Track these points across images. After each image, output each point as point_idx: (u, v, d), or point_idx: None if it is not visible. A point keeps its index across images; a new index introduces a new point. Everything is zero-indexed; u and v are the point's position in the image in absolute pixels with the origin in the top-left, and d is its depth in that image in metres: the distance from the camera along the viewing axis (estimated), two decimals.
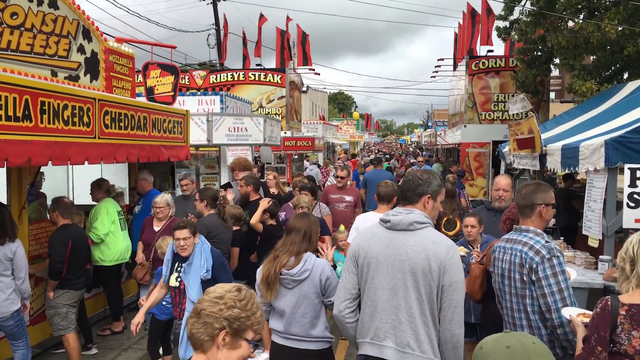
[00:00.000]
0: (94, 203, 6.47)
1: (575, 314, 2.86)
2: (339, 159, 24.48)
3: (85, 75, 6.07)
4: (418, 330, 2.82)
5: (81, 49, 5.97)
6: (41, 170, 6.26)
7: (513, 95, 15.80)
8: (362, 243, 3.06)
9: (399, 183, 3.25)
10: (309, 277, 3.59)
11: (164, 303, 5.08)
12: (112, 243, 6.23)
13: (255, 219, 5.79)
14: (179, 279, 4.52)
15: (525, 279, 3.11)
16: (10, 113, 3.87)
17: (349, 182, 8.16)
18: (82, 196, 7.38)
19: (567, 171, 6.96)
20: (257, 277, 3.77)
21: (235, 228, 6.00)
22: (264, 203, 5.84)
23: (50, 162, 4.39)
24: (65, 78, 5.67)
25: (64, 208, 5.33)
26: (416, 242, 2.87)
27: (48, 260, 5.35)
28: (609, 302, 2.58)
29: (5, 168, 4.55)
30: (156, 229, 6.06)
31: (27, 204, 5.48)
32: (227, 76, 19.58)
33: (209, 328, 1.93)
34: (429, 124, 63.15)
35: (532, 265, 3.07)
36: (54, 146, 4.36)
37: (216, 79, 19.44)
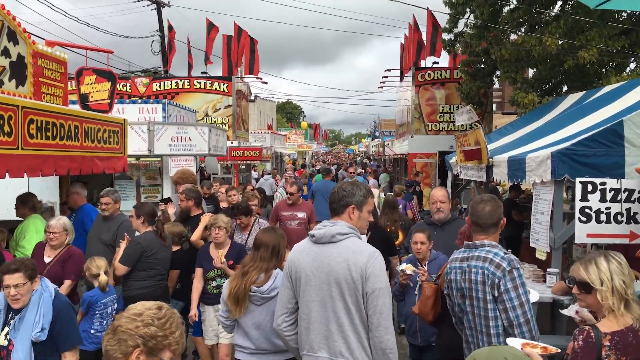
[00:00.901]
0: (19, 219, 5.96)
1: (518, 345, 2.66)
2: (285, 170, 24.27)
3: (10, 80, 5.57)
4: (348, 339, 2.90)
5: (5, 52, 5.49)
6: None
7: (458, 107, 16.10)
8: (293, 258, 3.13)
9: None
10: (278, 294, 3.55)
11: (92, 331, 4.70)
12: None
13: (196, 236, 5.48)
14: (8, 337, 3.53)
15: (488, 297, 2.98)
16: None
17: (300, 197, 7.87)
18: (9, 210, 6.77)
19: (514, 183, 6.99)
20: (223, 291, 3.80)
21: (175, 248, 5.66)
22: (206, 218, 5.53)
23: None
24: None
25: None
26: (338, 253, 2.94)
27: None
28: (592, 334, 2.44)
29: None
30: (47, 259, 5.01)
31: None
32: (171, 84, 19.02)
33: (123, 345, 1.88)
34: (377, 134, 64.02)
35: (494, 280, 2.95)
36: None
37: (160, 86, 18.84)
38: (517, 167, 6.38)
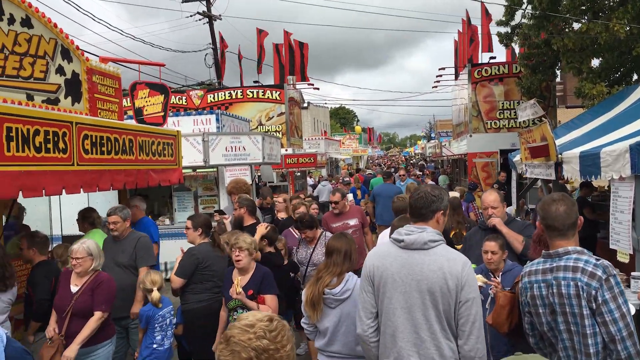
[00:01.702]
0: (81, 233, 6.04)
1: None
2: (340, 175, 24.04)
3: (65, 97, 5.66)
4: (441, 345, 2.85)
5: (60, 70, 5.57)
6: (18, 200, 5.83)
7: (519, 103, 15.42)
8: (376, 263, 3.05)
9: (409, 200, 3.21)
10: (350, 296, 3.74)
11: (154, 346, 4.66)
12: None
13: None
14: None
15: (585, 311, 2.64)
16: None
17: (346, 203, 7.37)
18: (75, 225, 6.87)
19: (586, 180, 6.48)
20: (302, 299, 3.92)
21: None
22: (262, 228, 5.38)
23: (21, 194, 3.96)
24: (43, 101, 5.26)
25: (40, 244, 4.89)
26: (432, 260, 2.90)
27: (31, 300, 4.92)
28: None
29: None
30: (74, 288, 4.49)
31: (4, 240, 5.04)
32: (225, 95, 19.27)
33: (237, 357, 1.87)
34: (432, 135, 62.88)
35: (590, 292, 2.61)
36: (24, 176, 3.93)
37: (214, 98, 19.13)
38: (590, 162, 5.91)
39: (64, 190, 4.45)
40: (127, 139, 5.51)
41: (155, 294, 4.86)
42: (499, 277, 4.24)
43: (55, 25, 5.44)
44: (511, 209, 11.46)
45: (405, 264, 2.93)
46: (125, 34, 17.58)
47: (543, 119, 7.66)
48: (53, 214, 7.48)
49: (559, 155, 6.91)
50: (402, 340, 2.90)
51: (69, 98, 5.71)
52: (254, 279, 4.51)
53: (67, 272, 4.60)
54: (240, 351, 1.87)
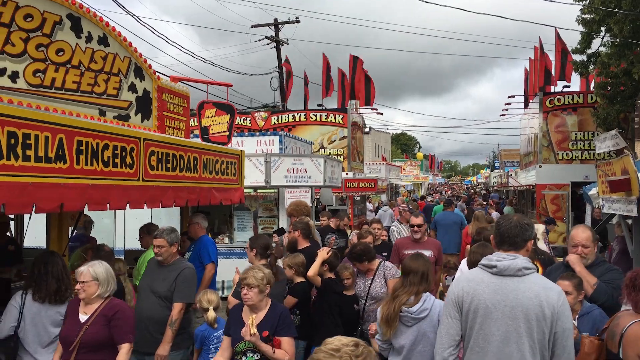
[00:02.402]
0: (144, 249, 6.12)
1: None
2: (397, 202, 23.62)
3: (136, 114, 5.79)
4: None
5: (132, 88, 5.72)
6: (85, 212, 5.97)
7: (594, 134, 14.65)
8: (465, 288, 3.00)
9: (499, 227, 3.16)
10: (427, 315, 3.76)
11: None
12: None
13: (313, 271, 5.13)
14: None
15: None
16: (41, 154, 3.51)
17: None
18: (134, 240, 7.03)
19: None
20: (377, 316, 4.00)
21: (299, 280, 5.30)
22: (323, 253, 5.20)
23: (87, 207, 4.01)
24: (114, 117, 5.40)
25: (105, 257, 4.93)
26: (527, 287, 2.86)
27: None
28: None
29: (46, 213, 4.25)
30: (83, 317, 3.89)
31: (69, 250, 5.14)
32: (288, 117, 19.47)
33: None
34: (496, 164, 61.12)
35: None
36: (91, 189, 3.98)
37: (278, 120, 19.36)
38: None
39: (128, 205, 4.49)
40: (192, 156, 5.55)
41: (211, 314, 4.78)
42: (575, 320, 3.88)
43: (130, 44, 5.60)
44: None
45: (498, 290, 2.88)
46: (196, 57, 18.42)
47: (625, 151, 7.16)
48: (117, 227, 7.64)
49: None
50: None
51: (139, 115, 5.84)
52: (269, 319, 3.92)
53: (75, 300, 4.04)
54: None
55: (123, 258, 6.78)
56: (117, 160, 4.31)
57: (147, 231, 6.09)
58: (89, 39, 4.92)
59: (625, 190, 6.80)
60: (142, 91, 5.90)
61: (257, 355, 3.77)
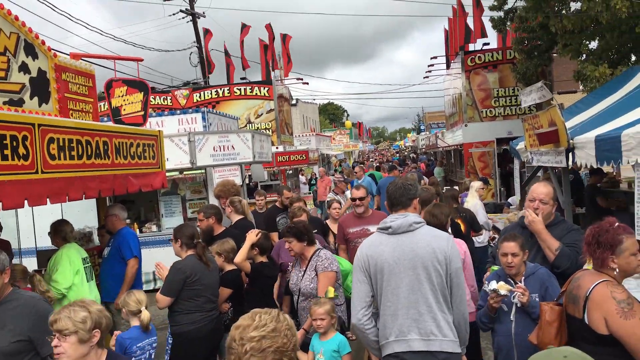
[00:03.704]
0: (55, 247, 5.48)
1: None
2: (336, 170, 23.47)
3: (31, 98, 5.10)
4: (437, 317, 3.09)
5: (24, 68, 5.01)
6: None
7: (514, 90, 14.96)
8: (369, 252, 3.26)
9: (387, 192, 3.43)
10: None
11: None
12: (76, 298, 5.15)
13: (240, 257, 4.70)
14: None
15: None
16: None
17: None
18: (45, 237, 6.26)
19: (603, 165, 6.02)
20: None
21: (230, 267, 4.92)
22: (252, 236, 4.79)
23: None
24: (4, 103, 4.70)
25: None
26: (419, 239, 3.17)
27: None
28: None
29: None
30: None
31: None
32: (211, 93, 18.69)
33: None
34: (422, 127, 62.51)
35: None
36: None
37: (200, 97, 18.54)
38: (608, 147, 5.45)
39: (26, 202, 3.90)
40: (101, 141, 4.95)
41: (146, 314, 4.14)
42: (521, 282, 3.69)
43: (17, 18, 4.88)
44: (514, 199, 11.03)
45: (396, 247, 3.17)
46: (105, 34, 17.03)
47: (552, 102, 7.19)
48: (24, 225, 6.87)
49: (570, 141, 6.44)
50: (402, 318, 3.11)
51: (35, 98, 5.16)
52: None
53: None
54: None
55: (36, 260, 6.09)
56: (7, 152, 3.70)
57: (55, 230, 5.42)
58: None
59: (554, 142, 6.84)
60: (37, 71, 5.20)
61: None
